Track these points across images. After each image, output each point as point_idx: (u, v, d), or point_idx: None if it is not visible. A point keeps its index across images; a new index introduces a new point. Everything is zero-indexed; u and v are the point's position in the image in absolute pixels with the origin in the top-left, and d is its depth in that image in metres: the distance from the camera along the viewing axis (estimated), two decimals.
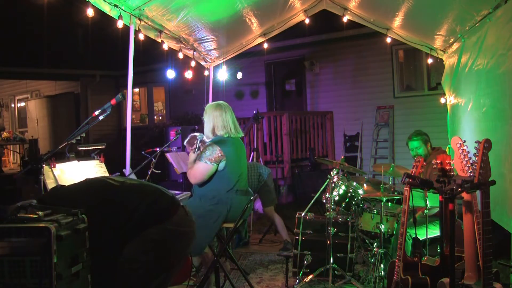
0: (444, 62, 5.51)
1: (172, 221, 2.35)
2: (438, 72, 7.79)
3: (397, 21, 5.11)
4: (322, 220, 4.22)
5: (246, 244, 5.75)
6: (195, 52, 5.59)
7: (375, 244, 4.19)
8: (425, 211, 3.71)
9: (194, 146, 3.59)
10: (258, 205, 5.71)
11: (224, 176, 3.57)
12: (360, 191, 4.37)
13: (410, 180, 2.83)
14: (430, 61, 5.97)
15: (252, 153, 7.03)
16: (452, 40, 4.93)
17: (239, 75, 7.68)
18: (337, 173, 4.38)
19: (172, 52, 5.28)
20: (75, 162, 3.73)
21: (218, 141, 3.60)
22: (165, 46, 4.94)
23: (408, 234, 3.68)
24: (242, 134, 3.80)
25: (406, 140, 4.43)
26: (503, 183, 3.28)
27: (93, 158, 3.83)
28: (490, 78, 3.74)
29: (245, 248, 5.68)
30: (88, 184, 2.43)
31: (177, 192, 4.89)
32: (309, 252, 4.10)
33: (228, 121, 3.68)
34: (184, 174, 4.65)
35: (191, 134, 3.89)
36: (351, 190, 4.31)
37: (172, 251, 2.37)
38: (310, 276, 4.01)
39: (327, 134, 9.71)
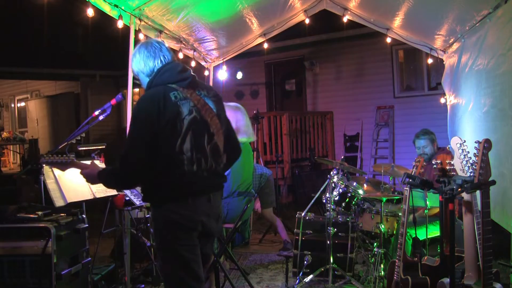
0: (444, 62, 5.50)
1: (186, 205, 2.29)
2: (438, 72, 7.79)
3: (397, 21, 5.10)
4: (322, 220, 4.22)
5: (246, 244, 5.75)
6: (195, 52, 5.59)
7: (375, 244, 4.19)
8: (425, 211, 3.72)
9: None
10: (258, 205, 5.72)
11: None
12: (360, 191, 4.37)
13: (410, 180, 2.83)
14: (430, 61, 5.96)
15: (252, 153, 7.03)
16: (452, 40, 4.93)
17: (239, 75, 7.69)
18: (337, 173, 4.38)
19: (172, 52, 5.27)
20: None
21: None
22: None
23: (408, 234, 3.68)
24: (252, 139, 3.79)
25: (413, 138, 4.43)
26: (503, 183, 3.27)
27: (93, 158, 3.83)
28: (490, 78, 3.74)
29: (245, 248, 5.68)
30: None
31: None
32: (309, 252, 4.10)
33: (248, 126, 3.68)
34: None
35: None
36: (351, 190, 4.31)
37: (172, 239, 2.33)
38: (310, 276, 4.01)
39: (327, 134, 9.71)
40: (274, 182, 6.21)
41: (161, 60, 2.43)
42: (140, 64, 2.44)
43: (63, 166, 2.65)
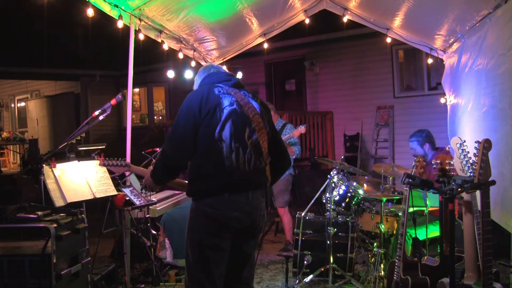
0: (444, 62, 5.50)
1: (222, 199, 2.33)
2: (438, 72, 7.78)
3: (397, 21, 5.10)
4: (322, 220, 4.23)
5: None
6: (195, 52, 5.58)
7: (375, 244, 4.19)
8: (425, 211, 3.72)
9: None
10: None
11: None
12: (360, 191, 4.37)
13: (410, 180, 2.83)
14: (430, 61, 5.96)
15: None
16: (452, 40, 4.93)
17: (239, 75, 7.66)
18: (337, 173, 4.38)
19: (172, 52, 5.27)
20: (75, 162, 3.73)
21: None
22: (165, 46, 4.94)
23: (408, 234, 3.68)
24: None
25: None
26: (503, 183, 3.27)
27: (93, 158, 3.83)
28: (490, 78, 3.74)
29: None
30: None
31: (176, 192, 4.90)
32: (309, 252, 4.10)
33: None
34: (184, 175, 4.65)
35: None
36: (351, 190, 4.31)
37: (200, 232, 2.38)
38: (310, 276, 4.01)
39: (327, 134, 9.70)
40: None
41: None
42: (198, 80, 2.69)
43: (119, 169, 2.99)
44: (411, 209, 3.53)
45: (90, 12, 3.76)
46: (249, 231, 2.45)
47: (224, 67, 6.18)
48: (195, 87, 2.69)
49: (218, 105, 2.40)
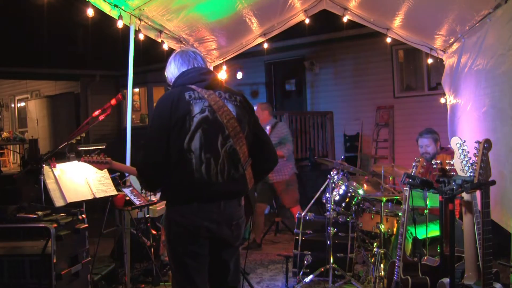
0: (444, 62, 5.50)
1: (191, 208, 2.26)
2: (438, 72, 7.78)
3: (397, 21, 5.10)
4: (322, 220, 4.23)
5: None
6: None
7: (375, 244, 4.20)
8: (425, 211, 3.71)
9: None
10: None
11: None
12: (360, 191, 4.37)
13: (410, 180, 2.83)
14: (430, 61, 5.96)
15: None
16: (452, 40, 4.93)
17: (239, 75, 7.67)
18: (337, 173, 4.38)
19: (172, 52, 5.27)
20: (75, 162, 3.73)
21: None
22: (165, 46, 4.94)
23: (408, 231, 3.68)
24: None
25: (417, 136, 4.41)
26: (503, 183, 3.27)
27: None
28: (490, 78, 3.74)
29: (244, 248, 5.67)
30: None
31: None
32: (309, 252, 4.10)
33: None
34: None
35: None
36: (351, 190, 4.31)
37: (174, 243, 2.35)
38: (310, 276, 4.01)
39: (327, 134, 9.70)
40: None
41: (193, 66, 2.49)
42: (174, 71, 2.53)
43: (101, 166, 2.93)
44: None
45: (90, 12, 3.76)
46: (223, 241, 2.36)
47: (224, 67, 6.20)
48: (169, 75, 2.56)
49: (187, 114, 2.27)
